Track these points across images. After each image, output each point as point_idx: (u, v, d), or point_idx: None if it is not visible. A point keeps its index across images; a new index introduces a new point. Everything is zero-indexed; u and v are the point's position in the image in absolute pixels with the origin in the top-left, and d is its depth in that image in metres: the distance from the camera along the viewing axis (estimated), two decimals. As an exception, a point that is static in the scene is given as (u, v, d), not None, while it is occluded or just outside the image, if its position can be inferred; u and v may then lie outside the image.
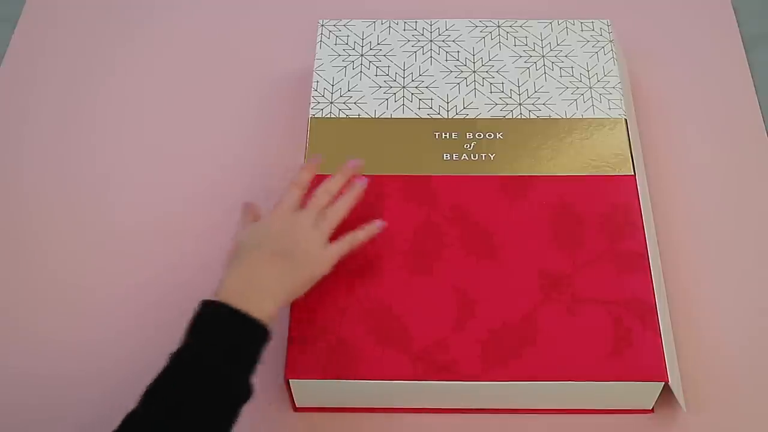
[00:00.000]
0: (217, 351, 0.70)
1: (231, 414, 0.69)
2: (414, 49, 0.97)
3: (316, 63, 0.96)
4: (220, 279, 0.74)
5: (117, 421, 0.65)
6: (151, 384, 0.68)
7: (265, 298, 0.73)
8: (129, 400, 0.67)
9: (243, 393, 0.70)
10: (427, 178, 0.87)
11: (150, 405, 0.67)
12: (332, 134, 0.90)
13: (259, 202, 0.94)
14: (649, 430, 0.80)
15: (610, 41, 0.97)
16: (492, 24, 0.99)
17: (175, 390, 0.68)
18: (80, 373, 0.83)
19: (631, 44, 1.05)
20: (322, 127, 0.91)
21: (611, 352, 0.77)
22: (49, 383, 0.82)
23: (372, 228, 0.81)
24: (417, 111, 0.92)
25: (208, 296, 0.72)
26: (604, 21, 0.99)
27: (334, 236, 0.80)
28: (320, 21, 1.00)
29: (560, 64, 0.96)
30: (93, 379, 0.82)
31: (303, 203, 0.81)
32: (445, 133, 0.91)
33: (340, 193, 0.82)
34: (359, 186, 0.83)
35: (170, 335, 0.71)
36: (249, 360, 0.71)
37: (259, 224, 0.79)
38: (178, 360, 0.69)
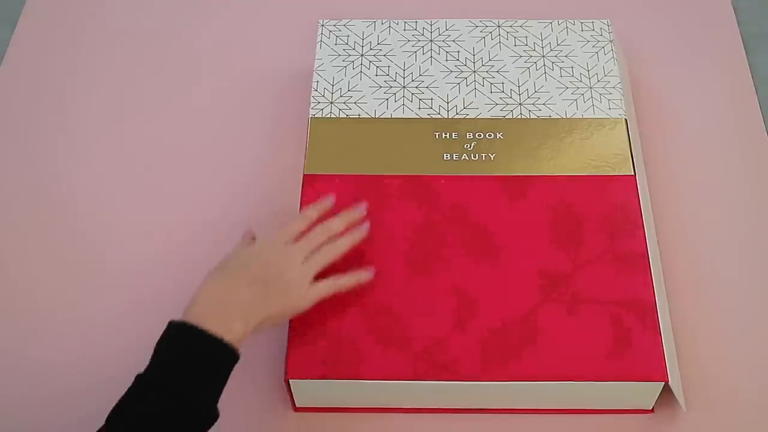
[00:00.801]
0: (182, 375, 0.68)
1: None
2: (414, 49, 0.97)
3: (316, 63, 0.96)
4: (193, 295, 0.73)
5: None
6: (116, 406, 0.67)
7: (235, 320, 0.71)
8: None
9: (207, 418, 0.69)
10: (427, 178, 0.87)
11: (114, 428, 0.66)
12: (332, 134, 0.90)
13: (259, 201, 0.95)
14: (649, 430, 0.80)
15: (610, 41, 0.97)
16: (492, 24, 0.99)
17: (139, 415, 0.67)
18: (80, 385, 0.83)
19: (631, 44, 1.05)
20: (322, 127, 0.91)
21: (611, 352, 0.77)
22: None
23: (360, 275, 0.80)
24: (417, 111, 0.92)
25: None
26: (604, 21, 0.99)
27: (323, 274, 0.78)
28: (320, 21, 1.00)
29: (560, 64, 0.96)
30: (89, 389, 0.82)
31: (299, 237, 0.79)
32: (445, 133, 0.91)
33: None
34: (360, 231, 0.81)
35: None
36: (214, 384, 0.70)
37: (251, 248, 0.78)
38: (142, 383, 0.68)
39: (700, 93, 1.02)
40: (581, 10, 1.08)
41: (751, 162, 0.96)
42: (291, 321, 0.79)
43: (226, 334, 0.70)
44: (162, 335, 0.70)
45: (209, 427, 0.69)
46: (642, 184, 0.88)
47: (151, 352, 0.70)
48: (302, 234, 0.79)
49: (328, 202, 0.83)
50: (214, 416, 0.69)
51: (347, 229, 0.81)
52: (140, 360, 0.70)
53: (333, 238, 0.80)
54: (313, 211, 0.82)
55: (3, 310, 0.87)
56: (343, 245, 0.80)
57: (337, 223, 0.81)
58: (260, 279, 0.74)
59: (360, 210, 0.83)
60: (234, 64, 1.05)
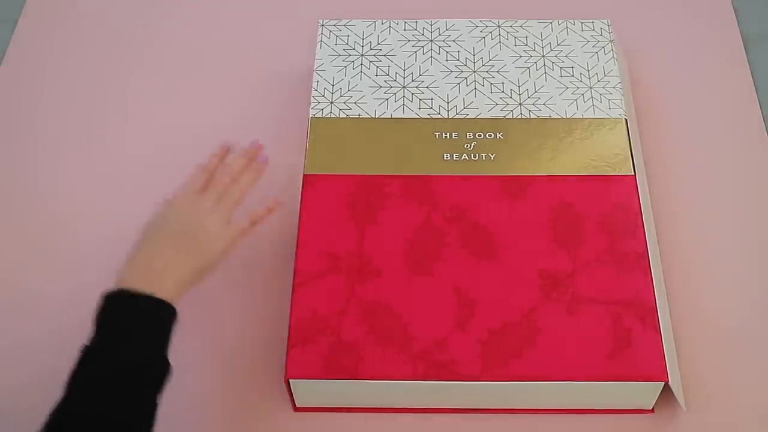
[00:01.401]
0: (125, 335, 0.70)
1: (152, 394, 0.70)
2: (414, 49, 0.97)
3: (316, 63, 0.96)
4: (120, 268, 0.75)
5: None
6: (69, 377, 0.68)
7: (165, 279, 0.74)
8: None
9: (160, 371, 0.71)
10: (427, 178, 0.87)
11: (70, 398, 0.67)
12: (332, 134, 0.90)
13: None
14: (649, 430, 0.80)
15: (610, 41, 0.97)
16: (492, 24, 0.99)
17: (92, 378, 0.68)
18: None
19: (631, 44, 1.05)
20: (322, 127, 0.91)
21: (611, 352, 0.77)
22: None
23: (268, 201, 0.83)
24: (417, 111, 0.92)
25: None
26: (604, 21, 0.99)
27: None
28: (320, 21, 1.00)
29: (560, 64, 0.96)
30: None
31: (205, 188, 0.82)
32: (445, 133, 0.91)
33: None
34: (259, 165, 0.84)
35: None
36: (158, 339, 0.72)
37: (164, 209, 0.80)
38: (89, 352, 0.69)
39: (700, 93, 1.02)
40: (581, 10, 1.08)
41: (751, 162, 0.96)
42: (291, 321, 0.79)
43: (158, 292, 0.73)
44: (98, 306, 0.72)
45: (164, 382, 0.71)
46: (642, 184, 0.88)
47: None
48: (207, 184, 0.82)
49: (224, 149, 0.85)
50: (167, 370, 0.71)
51: (249, 166, 0.84)
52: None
53: (236, 177, 0.83)
54: (214, 160, 0.84)
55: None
56: (247, 180, 0.83)
57: (235, 162, 0.83)
58: (179, 235, 0.77)
59: (252, 143, 0.85)
60: (234, 64, 1.05)
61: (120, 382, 0.68)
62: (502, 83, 0.94)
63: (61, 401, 0.67)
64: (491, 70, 0.95)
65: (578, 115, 0.92)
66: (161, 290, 0.73)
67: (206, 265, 0.78)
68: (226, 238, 0.79)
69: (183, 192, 0.81)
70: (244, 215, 0.81)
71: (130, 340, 0.70)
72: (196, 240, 0.78)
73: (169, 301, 0.73)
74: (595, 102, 0.93)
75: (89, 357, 0.69)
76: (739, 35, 1.07)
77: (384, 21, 0.99)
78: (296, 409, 0.81)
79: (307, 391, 0.79)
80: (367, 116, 0.92)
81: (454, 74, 0.95)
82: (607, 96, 0.93)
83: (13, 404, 0.81)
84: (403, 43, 0.98)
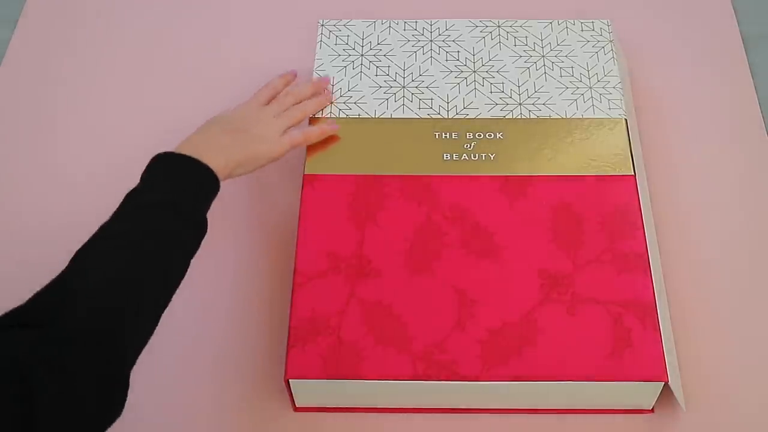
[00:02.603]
0: (172, 186, 0.75)
1: (190, 241, 0.74)
2: (414, 49, 0.97)
3: (316, 63, 0.96)
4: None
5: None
6: (114, 214, 0.72)
7: (216, 155, 0.79)
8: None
9: (199, 225, 0.75)
10: (427, 178, 0.87)
11: (115, 226, 0.71)
12: (332, 134, 0.90)
13: (259, 201, 0.95)
14: (649, 430, 0.80)
15: (610, 41, 0.97)
16: (492, 24, 0.99)
17: (139, 214, 0.73)
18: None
19: (631, 44, 1.05)
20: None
21: (611, 352, 0.77)
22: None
23: (323, 126, 0.89)
24: (417, 111, 0.92)
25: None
26: (604, 21, 0.99)
27: None
28: (320, 21, 1.00)
29: (560, 64, 0.96)
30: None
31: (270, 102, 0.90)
32: (445, 133, 0.91)
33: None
34: (326, 95, 0.92)
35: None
36: (200, 198, 0.77)
37: (228, 111, 0.87)
38: (136, 192, 0.75)
39: (700, 93, 1.02)
40: (581, 10, 1.08)
41: (752, 162, 0.96)
42: (291, 321, 0.79)
43: (208, 163, 0.78)
44: (149, 163, 0.78)
45: (201, 238, 0.76)
46: (642, 184, 0.88)
47: None
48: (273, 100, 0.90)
49: (290, 75, 0.93)
50: (205, 226, 0.76)
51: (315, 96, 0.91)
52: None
53: (300, 101, 0.90)
54: (280, 81, 0.92)
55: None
56: (312, 104, 0.90)
57: (303, 89, 0.91)
58: (237, 128, 0.84)
59: (326, 77, 0.93)
60: (234, 63, 1.05)
61: (160, 218, 0.73)
62: (502, 83, 0.94)
63: (102, 225, 0.71)
64: (491, 70, 0.95)
65: (578, 115, 0.92)
66: (211, 161, 0.78)
67: (255, 160, 0.84)
68: (277, 145, 0.85)
69: (247, 102, 0.89)
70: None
71: (175, 192, 0.75)
72: (250, 135, 0.84)
73: (215, 172, 0.78)
74: (595, 102, 0.93)
75: (132, 196, 0.74)
76: (739, 35, 1.07)
77: (384, 21, 1.00)
78: (296, 409, 0.81)
79: (307, 391, 0.79)
80: (367, 116, 0.92)
81: (454, 74, 0.95)
82: (607, 96, 0.93)
83: None
84: (403, 43, 0.98)
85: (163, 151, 0.79)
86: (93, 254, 0.69)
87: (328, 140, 0.90)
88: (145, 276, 0.69)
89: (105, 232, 0.71)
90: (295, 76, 0.93)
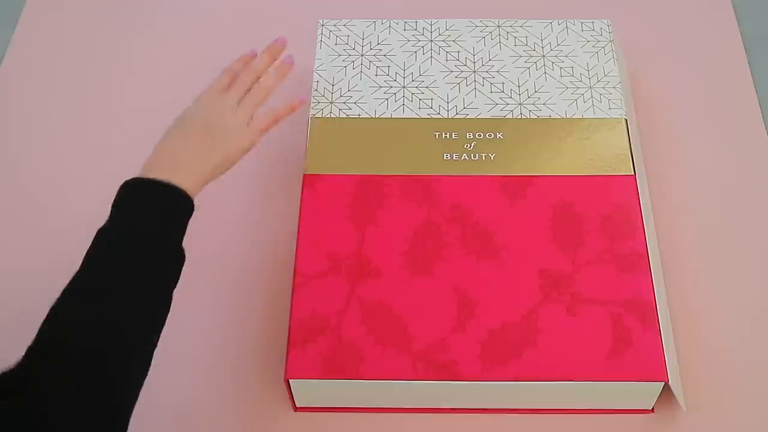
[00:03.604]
0: (145, 215, 0.72)
1: (170, 274, 0.71)
2: (414, 49, 0.97)
3: (316, 63, 0.96)
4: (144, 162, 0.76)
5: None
6: (85, 257, 0.69)
7: (185, 171, 0.75)
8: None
9: (176, 253, 0.72)
10: (427, 178, 0.87)
11: (88, 274, 0.68)
12: (332, 134, 0.90)
13: (259, 201, 0.95)
14: (649, 430, 0.80)
15: (610, 41, 0.97)
16: (492, 24, 0.99)
17: (112, 255, 0.69)
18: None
19: (631, 44, 1.05)
20: (322, 127, 0.91)
21: (611, 352, 0.77)
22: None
23: (292, 102, 0.86)
24: (417, 111, 0.92)
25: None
26: (604, 21, 0.99)
27: None
28: (320, 21, 1.00)
29: (560, 64, 0.96)
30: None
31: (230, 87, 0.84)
32: (445, 133, 0.91)
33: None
34: (284, 64, 0.86)
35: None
36: (175, 226, 0.73)
37: (189, 106, 0.82)
38: (106, 231, 0.71)
39: (700, 92, 1.02)
40: (581, 10, 1.08)
41: (752, 162, 0.96)
42: (291, 321, 0.79)
43: (180, 183, 0.74)
44: (117, 195, 0.73)
45: (180, 267, 0.72)
46: (642, 184, 0.88)
47: None
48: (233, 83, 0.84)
49: (249, 55, 0.87)
50: (182, 254, 0.72)
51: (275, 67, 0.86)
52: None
53: (260, 76, 0.85)
54: (238, 63, 0.86)
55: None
56: (271, 79, 0.85)
57: (260, 61, 0.86)
58: (201, 128, 0.79)
59: (279, 41, 0.87)
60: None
61: (133, 254, 0.69)
62: (502, 83, 0.94)
63: (75, 275, 0.68)
64: (491, 70, 0.95)
65: (578, 115, 0.92)
66: (181, 181, 0.74)
67: (226, 160, 0.80)
68: (246, 135, 0.81)
69: (207, 90, 0.83)
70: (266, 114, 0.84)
71: (150, 223, 0.71)
72: (218, 135, 0.79)
73: (188, 193, 0.74)
74: (595, 102, 0.93)
75: (102, 236, 0.70)
76: (739, 35, 1.07)
77: (384, 21, 0.99)
78: (296, 409, 0.81)
79: (307, 391, 0.79)
80: (367, 116, 0.92)
81: (454, 74, 0.95)
82: (607, 96, 0.93)
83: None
84: (403, 43, 0.98)
85: (132, 176, 0.74)
86: (68, 310, 0.65)
87: (328, 140, 0.90)
88: (125, 324, 0.65)
89: (78, 284, 0.67)
90: (255, 55, 0.87)
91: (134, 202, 0.73)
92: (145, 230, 0.71)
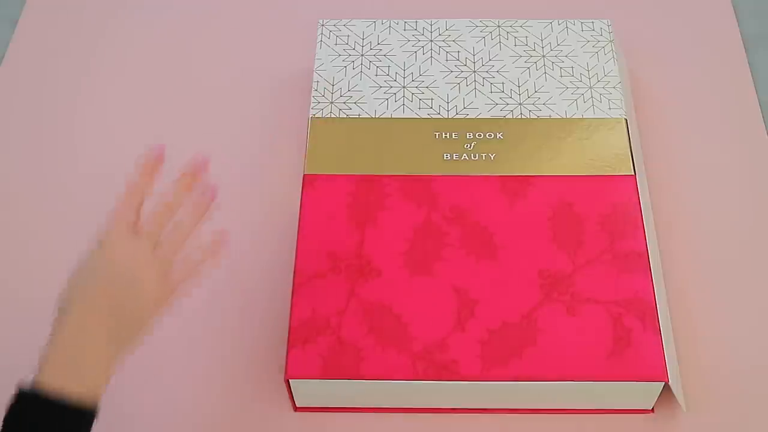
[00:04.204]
0: None
1: None
2: (414, 49, 0.97)
3: (316, 63, 0.96)
4: (42, 351, 0.64)
5: None
6: None
7: (94, 367, 0.64)
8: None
9: None
10: (427, 178, 0.87)
11: None
12: (332, 134, 0.90)
13: (259, 201, 0.95)
14: (649, 430, 0.80)
15: (610, 41, 0.97)
16: (492, 24, 0.99)
17: None
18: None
19: (631, 44, 1.05)
20: (322, 127, 0.91)
21: (611, 352, 0.77)
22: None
23: (210, 248, 0.72)
24: (417, 111, 0.92)
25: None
26: (604, 21, 0.99)
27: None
28: (320, 21, 1.00)
29: (560, 64, 0.96)
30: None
31: (140, 218, 0.70)
32: (445, 133, 0.91)
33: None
34: (204, 198, 0.72)
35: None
36: None
37: (95, 254, 0.67)
38: None
39: (700, 93, 1.02)
40: (581, 10, 1.08)
41: (752, 162, 0.96)
42: (291, 321, 0.79)
43: (85, 389, 0.63)
44: (9, 405, 0.61)
45: None
46: (642, 184, 0.88)
47: None
48: (145, 211, 0.70)
49: (153, 162, 0.71)
50: None
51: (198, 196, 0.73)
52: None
53: (175, 212, 0.71)
54: (141, 178, 0.70)
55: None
56: (191, 221, 0.71)
57: (176, 195, 0.71)
58: (108, 305, 0.65)
59: (197, 161, 0.72)
60: (234, 63, 1.05)
61: None
62: (502, 83, 0.94)
63: None
64: (491, 70, 0.95)
65: (578, 115, 0.92)
66: (89, 387, 0.63)
67: (144, 332, 0.68)
68: (163, 296, 0.68)
69: (115, 230, 0.68)
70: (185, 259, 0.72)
71: None
72: (136, 308, 0.66)
73: (93, 403, 0.63)
74: (595, 102, 0.93)
75: None
76: (739, 35, 1.07)
77: (384, 21, 0.99)
78: (296, 409, 0.81)
79: (307, 391, 0.79)
80: (367, 116, 0.92)
81: (454, 74, 0.95)
82: (607, 96, 0.93)
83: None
84: (403, 43, 0.98)
85: (26, 386, 0.61)
86: None
87: (328, 140, 0.90)
88: None
89: None
90: (161, 157, 0.71)
91: (28, 424, 0.61)
92: None
